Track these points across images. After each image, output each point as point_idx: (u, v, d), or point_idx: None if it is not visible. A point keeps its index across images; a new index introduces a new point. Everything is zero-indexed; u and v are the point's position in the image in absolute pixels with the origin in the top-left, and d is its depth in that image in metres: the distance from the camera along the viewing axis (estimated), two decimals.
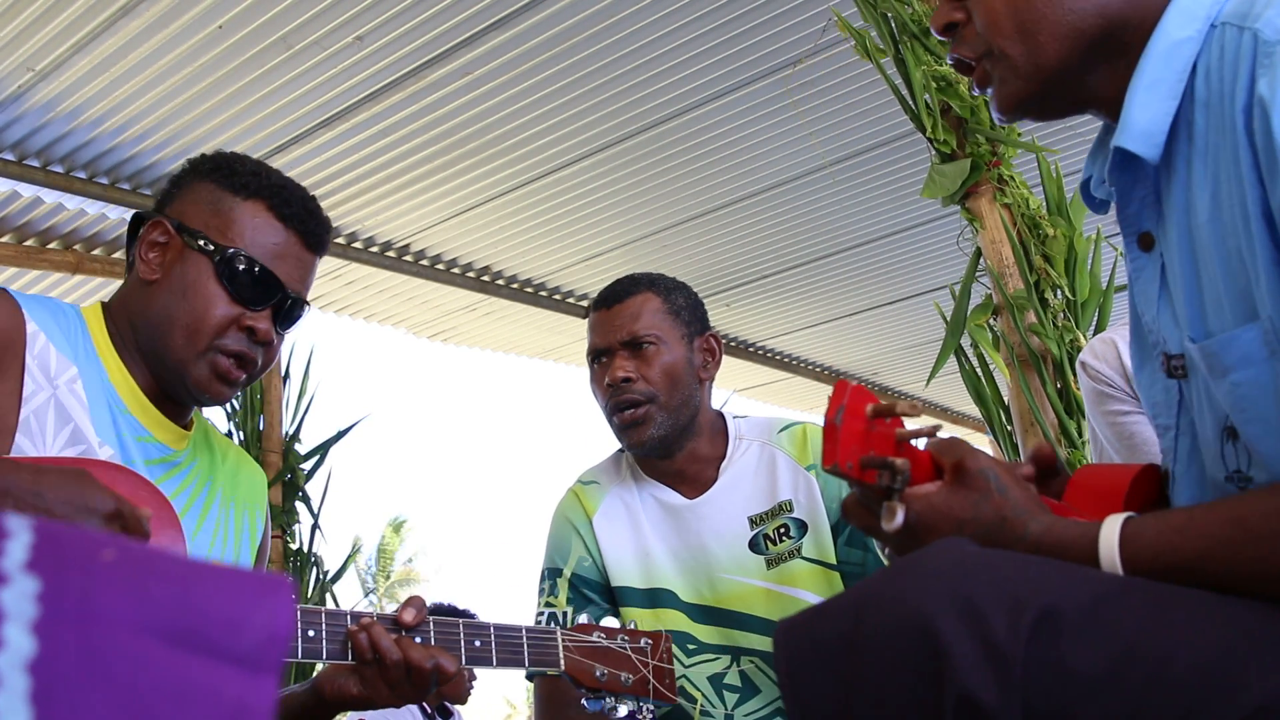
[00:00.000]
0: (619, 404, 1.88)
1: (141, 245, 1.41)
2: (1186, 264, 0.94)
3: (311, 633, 1.27)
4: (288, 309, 1.43)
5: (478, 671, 4.54)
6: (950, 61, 1.12)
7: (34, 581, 0.39)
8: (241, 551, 1.51)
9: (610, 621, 1.59)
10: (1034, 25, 1.01)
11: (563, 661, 1.47)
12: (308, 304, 1.48)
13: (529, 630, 1.45)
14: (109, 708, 0.38)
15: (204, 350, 1.37)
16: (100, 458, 1.30)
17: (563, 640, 1.48)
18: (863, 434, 0.96)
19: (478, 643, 1.40)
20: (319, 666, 1.55)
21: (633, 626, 1.59)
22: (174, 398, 1.43)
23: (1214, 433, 0.96)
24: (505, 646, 1.42)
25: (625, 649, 1.54)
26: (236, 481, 1.54)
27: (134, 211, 1.46)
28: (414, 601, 1.38)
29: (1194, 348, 0.93)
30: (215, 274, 1.37)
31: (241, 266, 1.38)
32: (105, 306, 1.44)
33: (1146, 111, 0.95)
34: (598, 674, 1.50)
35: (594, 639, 1.52)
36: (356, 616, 1.31)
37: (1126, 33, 0.99)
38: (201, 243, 1.38)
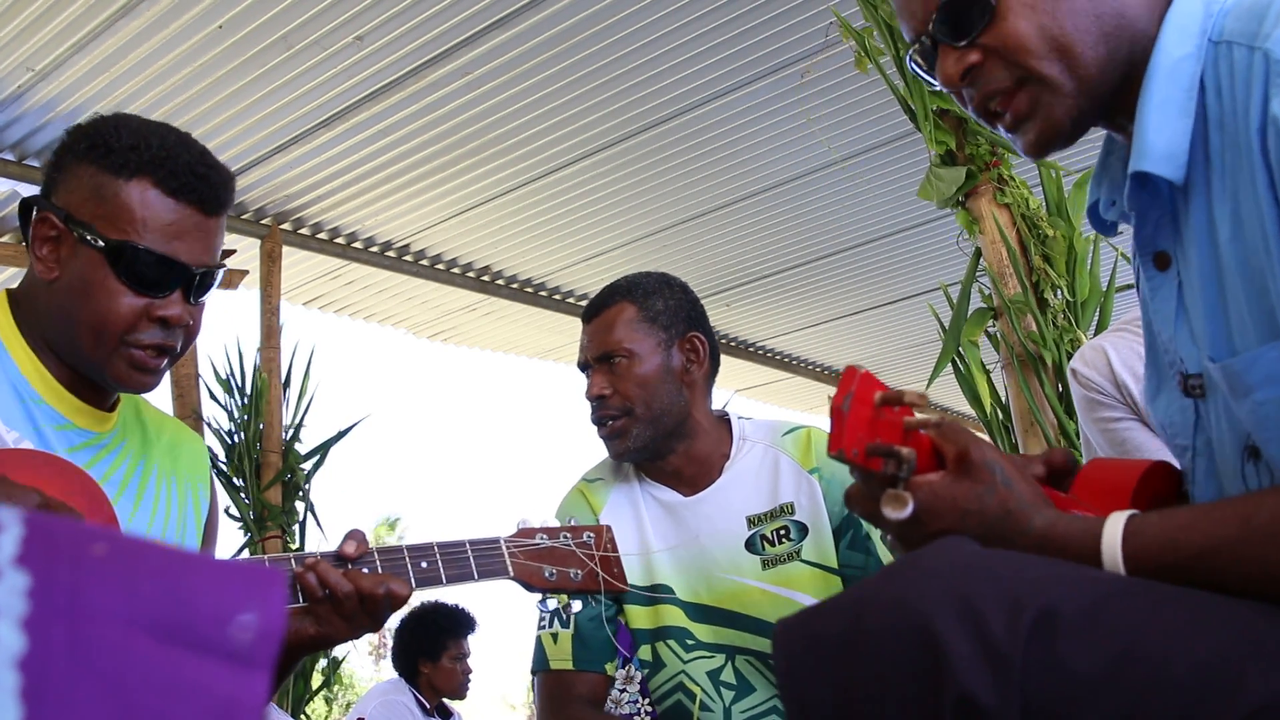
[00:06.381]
0: (599, 418, 1.92)
1: (34, 242, 1.33)
2: (1209, 283, 0.93)
3: None
4: (198, 285, 1.36)
5: (474, 668, 4.53)
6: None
7: (24, 576, 0.39)
8: (187, 527, 1.47)
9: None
10: (1066, 40, 0.96)
11: (511, 568, 1.46)
12: (219, 268, 1.40)
13: (473, 543, 1.44)
14: (98, 704, 0.38)
15: (115, 347, 1.31)
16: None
17: (507, 548, 1.47)
18: (869, 421, 0.95)
19: (424, 564, 1.38)
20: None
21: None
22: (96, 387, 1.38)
23: (1234, 452, 0.96)
24: (452, 562, 1.41)
25: (570, 546, 1.53)
26: (176, 456, 1.49)
27: (21, 197, 1.38)
28: (354, 534, 1.35)
29: (1215, 367, 0.93)
30: (112, 269, 1.29)
31: (139, 258, 1.29)
32: (12, 296, 1.38)
33: (1163, 133, 0.94)
34: (547, 574, 1.49)
35: (537, 541, 1.51)
36: (301, 558, 1.30)
37: (1138, 40, 0.98)
38: (91, 237, 1.29)
